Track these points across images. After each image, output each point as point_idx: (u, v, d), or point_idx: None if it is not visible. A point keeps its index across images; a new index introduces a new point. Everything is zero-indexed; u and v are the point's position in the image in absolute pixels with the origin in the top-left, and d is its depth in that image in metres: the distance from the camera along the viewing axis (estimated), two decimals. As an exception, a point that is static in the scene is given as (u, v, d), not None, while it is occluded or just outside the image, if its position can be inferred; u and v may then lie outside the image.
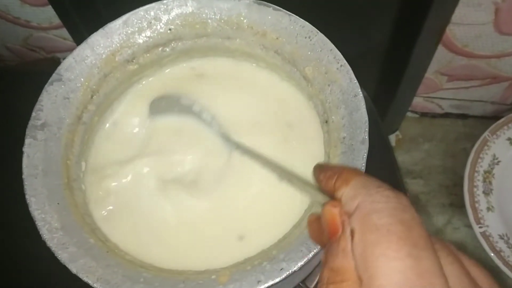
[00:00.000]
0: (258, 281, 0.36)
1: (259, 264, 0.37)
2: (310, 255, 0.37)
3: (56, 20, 0.72)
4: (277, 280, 0.36)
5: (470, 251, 0.72)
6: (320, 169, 0.32)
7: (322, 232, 0.30)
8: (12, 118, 0.74)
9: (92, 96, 0.48)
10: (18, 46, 0.80)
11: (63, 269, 0.38)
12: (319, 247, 0.37)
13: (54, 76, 0.46)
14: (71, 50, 0.76)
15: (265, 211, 0.45)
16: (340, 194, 0.29)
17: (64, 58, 0.80)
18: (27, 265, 0.60)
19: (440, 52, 0.67)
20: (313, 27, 0.46)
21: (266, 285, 0.36)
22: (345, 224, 0.27)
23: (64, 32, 0.74)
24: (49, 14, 0.71)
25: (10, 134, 0.71)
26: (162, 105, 0.50)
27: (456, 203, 0.75)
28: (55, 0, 0.65)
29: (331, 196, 0.30)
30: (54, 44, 0.78)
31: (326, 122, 0.45)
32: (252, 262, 0.38)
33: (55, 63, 0.82)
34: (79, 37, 0.68)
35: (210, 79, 0.52)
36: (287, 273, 0.36)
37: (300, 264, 0.36)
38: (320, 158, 0.45)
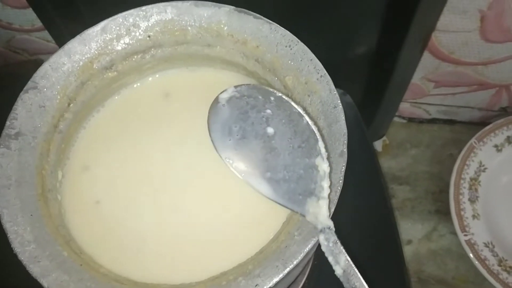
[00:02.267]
0: (232, 298, 0.35)
1: (234, 279, 0.37)
2: (286, 271, 0.36)
3: (38, 23, 0.71)
4: (251, 297, 0.35)
5: (455, 259, 0.71)
6: None
7: None
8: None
9: (69, 104, 0.47)
10: (1, 48, 0.79)
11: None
12: (294, 262, 0.36)
13: (29, 84, 0.45)
14: (54, 52, 0.76)
15: (243, 223, 0.44)
16: None
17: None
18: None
19: (427, 58, 0.66)
20: (294, 36, 0.45)
21: (240, 302, 0.35)
22: None
23: (47, 34, 0.73)
24: (31, 17, 0.70)
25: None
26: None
27: (442, 210, 0.75)
28: (36, 2, 0.64)
29: None
30: (37, 46, 0.77)
31: (306, 133, 0.44)
32: (227, 277, 0.38)
33: (39, 65, 0.81)
34: (62, 40, 0.67)
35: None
36: (261, 290, 0.36)
37: (275, 280, 0.36)
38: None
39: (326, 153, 0.41)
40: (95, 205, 0.46)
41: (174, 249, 0.43)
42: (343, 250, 0.38)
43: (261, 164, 0.44)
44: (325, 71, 0.43)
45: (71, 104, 0.47)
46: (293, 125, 0.43)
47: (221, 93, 0.46)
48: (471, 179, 0.71)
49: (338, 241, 0.38)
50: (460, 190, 0.70)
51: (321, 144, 0.41)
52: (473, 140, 0.72)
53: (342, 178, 0.39)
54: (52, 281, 0.37)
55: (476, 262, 0.65)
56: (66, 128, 0.47)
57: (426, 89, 0.74)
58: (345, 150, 0.40)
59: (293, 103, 0.43)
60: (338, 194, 0.38)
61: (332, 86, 0.43)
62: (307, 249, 0.37)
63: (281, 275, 0.36)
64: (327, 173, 0.41)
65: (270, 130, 0.44)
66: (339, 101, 0.42)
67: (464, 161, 0.71)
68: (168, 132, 0.50)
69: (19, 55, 0.80)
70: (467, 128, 0.81)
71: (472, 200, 0.70)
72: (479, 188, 0.71)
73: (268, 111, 0.44)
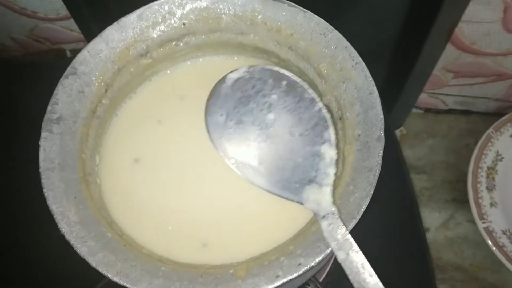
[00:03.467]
0: (277, 276, 0.36)
1: (276, 259, 0.38)
2: (328, 251, 0.37)
3: (63, 11, 0.71)
4: (295, 275, 0.36)
5: (472, 246, 0.73)
6: None
7: None
8: (17, 109, 0.74)
9: (106, 90, 0.48)
10: (24, 37, 0.80)
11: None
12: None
13: (69, 69, 0.46)
14: (77, 41, 0.77)
15: (278, 207, 0.45)
16: None
17: (70, 50, 0.81)
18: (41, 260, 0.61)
19: (448, 49, 0.67)
20: (328, 24, 0.46)
21: (285, 280, 0.36)
22: None
23: (71, 23, 0.73)
24: (56, 5, 0.70)
25: (15, 125, 0.72)
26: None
27: (459, 199, 0.76)
28: (65, -9, 0.65)
29: None
30: (60, 35, 0.77)
31: (340, 119, 0.45)
32: (269, 257, 0.39)
33: (61, 54, 0.82)
34: (87, 29, 0.68)
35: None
36: (305, 268, 0.37)
37: (318, 259, 0.37)
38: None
39: (336, 140, 0.42)
40: (131, 189, 0.47)
41: (212, 231, 0.44)
42: (349, 236, 0.38)
43: (254, 152, 0.44)
44: (360, 58, 0.44)
45: (108, 90, 0.48)
46: (300, 112, 0.44)
47: (231, 72, 0.47)
48: (489, 168, 0.72)
49: (343, 226, 0.38)
50: (478, 178, 0.71)
51: (331, 131, 0.42)
52: (490, 130, 0.74)
53: (380, 162, 0.40)
54: (100, 260, 0.38)
55: (494, 249, 0.66)
56: (103, 113, 0.48)
57: (444, 80, 0.75)
58: (382, 135, 0.41)
59: (307, 88, 0.44)
60: (376, 177, 0.39)
61: (368, 73, 0.44)
62: (348, 229, 0.38)
63: (323, 255, 0.37)
64: (334, 160, 0.42)
65: (270, 116, 0.44)
66: (375, 88, 0.43)
67: (481, 151, 0.73)
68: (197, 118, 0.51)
69: (42, 44, 0.80)
70: (483, 118, 0.82)
71: (489, 189, 0.71)
72: (496, 176, 0.72)
73: (274, 96, 0.44)
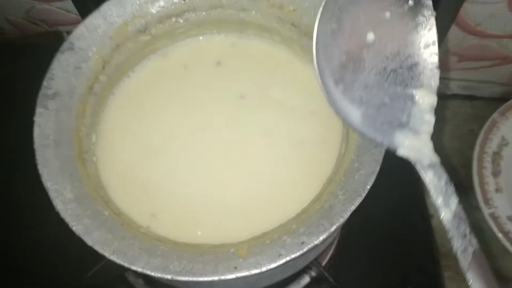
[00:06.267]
0: (279, 255, 0.35)
1: (279, 238, 0.37)
2: (332, 229, 0.36)
3: (60, -8, 0.70)
4: (298, 254, 0.35)
5: (477, 233, 0.71)
6: None
7: None
8: (13, 92, 0.73)
9: (103, 67, 0.47)
10: (20, 19, 0.78)
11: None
12: (341, 220, 0.36)
13: (65, 44, 0.44)
14: (74, 23, 0.75)
15: (280, 186, 0.44)
16: None
17: (67, 32, 0.79)
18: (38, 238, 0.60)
19: (452, 31, 0.66)
20: (332, -1, 0.45)
21: (287, 258, 0.35)
22: None
23: (67, 4, 0.72)
24: (53, -15, 0.69)
25: (12, 108, 0.71)
26: None
27: (464, 184, 0.74)
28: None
29: None
30: (57, 16, 0.76)
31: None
32: (271, 236, 0.37)
33: (58, 36, 0.81)
34: (84, 9, 0.67)
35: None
36: (308, 246, 0.35)
37: (321, 238, 0.36)
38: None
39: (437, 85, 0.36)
40: (128, 169, 0.46)
41: (212, 211, 0.43)
42: (455, 192, 0.34)
43: (337, 71, 0.37)
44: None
45: (106, 67, 0.47)
46: (406, 45, 0.37)
47: None
48: (494, 153, 0.71)
49: (449, 180, 0.34)
50: (483, 164, 0.70)
51: (436, 77, 0.36)
52: (495, 114, 0.72)
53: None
54: (96, 239, 0.37)
55: (500, 235, 0.65)
56: (100, 90, 0.47)
57: (449, 63, 0.74)
58: None
59: (432, 24, 0.37)
60: (382, 154, 0.38)
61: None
62: (353, 207, 0.36)
63: (327, 233, 0.36)
64: (433, 107, 0.37)
65: (370, 36, 0.37)
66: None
67: (486, 135, 0.71)
68: (199, 97, 0.50)
69: (38, 26, 0.79)
70: (487, 104, 0.80)
71: (495, 174, 0.70)
72: (502, 162, 0.71)
73: (388, 14, 0.37)
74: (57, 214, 0.37)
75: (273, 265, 0.35)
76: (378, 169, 0.38)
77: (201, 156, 0.46)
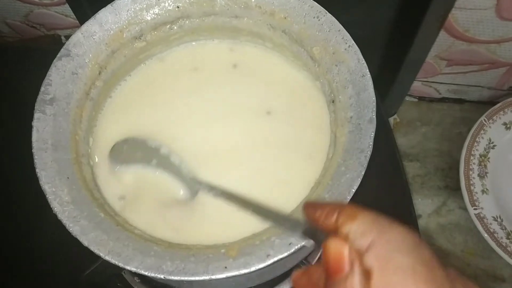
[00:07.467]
0: (267, 255, 0.37)
1: (268, 239, 0.38)
2: (318, 231, 0.37)
3: (58, -4, 0.71)
4: (286, 254, 0.37)
5: (464, 233, 0.73)
6: (313, 207, 0.30)
7: (313, 285, 0.29)
8: (12, 95, 0.74)
9: (100, 72, 0.48)
10: (18, 23, 0.79)
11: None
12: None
13: (62, 51, 0.46)
14: (72, 27, 0.77)
15: (268, 189, 0.46)
16: (346, 230, 0.27)
17: (65, 36, 0.80)
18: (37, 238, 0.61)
19: (441, 36, 0.67)
20: (322, 7, 0.46)
21: (275, 258, 0.37)
22: (355, 263, 0.26)
23: (65, 8, 0.73)
24: (51, -10, 0.70)
25: (10, 111, 0.72)
26: (125, 150, 0.47)
27: (451, 186, 0.76)
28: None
29: (330, 233, 0.28)
30: (55, 21, 0.77)
31: (333, 102, 0.45)
32: (261, 237, 0.39)
33: (56, 40, 0.82)
34: (82, 14, 0.68)
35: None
36: (296, 247, 0.37)
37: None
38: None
39: None
40: (124, 170, 0.47)
41: (204, 212, 0.45)
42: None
43: None
44: (353, 42, 0.45)
45: (102, 72, 0.48)
46: None
47: None
48: (481, 156, 0.73)
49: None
50: (470, 166, 0.71)
51: None
52: (483, 117, 0.74)
53: (371, 143, 0.40)
54: (92, 239, 0.38)
55: (486, 235, 0.67)
56: (96, 95, 0.48)
57: (438, 68, 0.75)
58: (374, 116, 0.41)
59: None
60: (367, 158, 0.40)
61: (360, 56, 0.44)
62: (339, 210, 0.38)
63: (313, 235, 0.37)
64: None
65: None
66: (367, 70, 0.43)
67: (474, 138, 0.73)
68: (192, 102, 0.51)
69: (36, 30, 0.80)
70: (476, 107, 0.82)
71: (481, 176, 0.71)
72: (488, 164, 0.72)
73: None
74: (54, 216, 0.39)
75: (261, 265, 0.37)
76: (363, 172, 0.39)
77: (195, 157, 0.48)
